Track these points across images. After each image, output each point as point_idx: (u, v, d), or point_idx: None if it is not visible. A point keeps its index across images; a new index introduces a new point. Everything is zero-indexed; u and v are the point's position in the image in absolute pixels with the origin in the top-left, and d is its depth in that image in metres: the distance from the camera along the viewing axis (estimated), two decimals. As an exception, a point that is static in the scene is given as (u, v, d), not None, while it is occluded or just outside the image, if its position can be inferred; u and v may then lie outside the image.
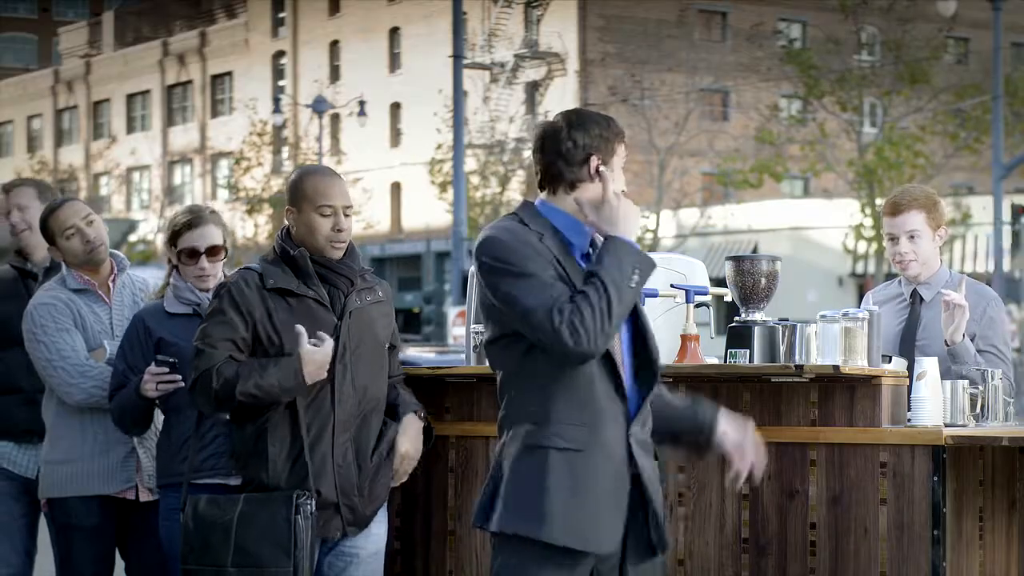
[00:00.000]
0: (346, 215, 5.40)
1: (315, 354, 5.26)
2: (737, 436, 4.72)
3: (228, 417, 5.46)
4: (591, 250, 4.60)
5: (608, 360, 4.51)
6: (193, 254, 5.81)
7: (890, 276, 6.77)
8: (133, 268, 6.35)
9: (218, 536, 5.28)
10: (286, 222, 5.46)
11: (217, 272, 5.81)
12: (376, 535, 5.54)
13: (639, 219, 4.54)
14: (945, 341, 5.98)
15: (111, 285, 6.13)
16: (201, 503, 5.35)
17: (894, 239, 6.25)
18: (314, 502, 5.27)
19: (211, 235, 5.81)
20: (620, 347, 4.59)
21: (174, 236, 5.84)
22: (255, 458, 5.33)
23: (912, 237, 6.22)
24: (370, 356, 5.47)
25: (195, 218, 5.83)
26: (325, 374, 5.31)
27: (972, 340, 6.07)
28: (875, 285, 6.73)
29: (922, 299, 6.25)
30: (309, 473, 5.29)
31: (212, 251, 5.81)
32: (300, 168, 5.55)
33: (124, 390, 5.73)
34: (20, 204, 6.54)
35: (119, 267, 6.18)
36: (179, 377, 5.62)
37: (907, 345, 6.18)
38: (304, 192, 5.38)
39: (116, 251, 6.21)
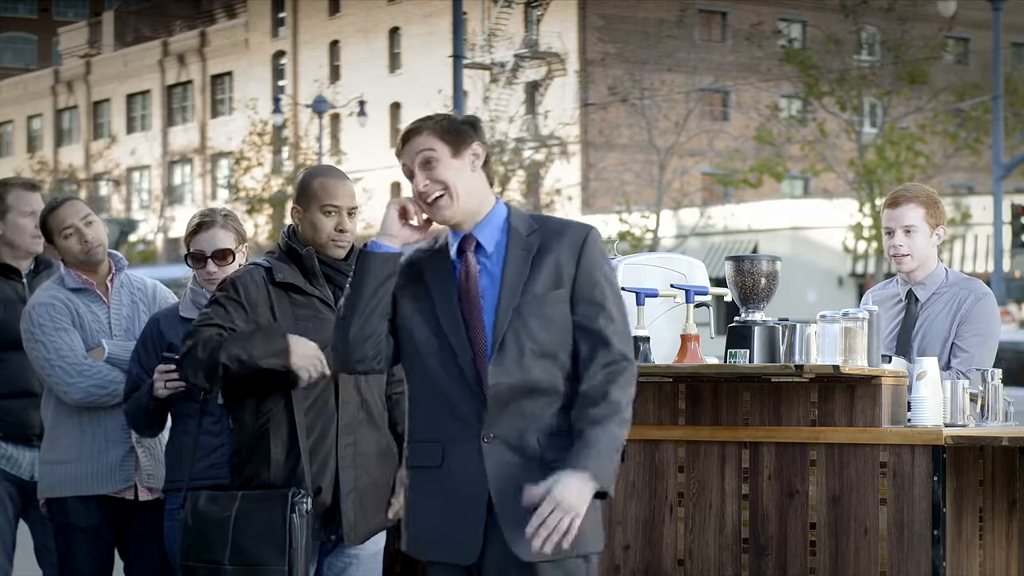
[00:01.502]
0: (350, 215, 5.41)
1: (303, 341, 5.23)
2: (543, 504, 4.20)
3: (231, 426, 5.45)
4: (467, 247, 4.49)
5: (455, 368, 4.38)
6: (200, 257, 5.81)
7: (889, 275, 6.77)
8: (132, 269, 6.35)
9: (215, 533, 5.26)
10: (292, 221, 5.46)
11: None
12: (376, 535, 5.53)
13: (387, 214, 4.47)
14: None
15: (109, 285, 6.12)
16: (201, 500, 5.33)
17: (890, 232, 6.25)
18: (311, 500, 5.26)
19: (219, 239, 5.79)
20: (481, 346, 4.36)
21: (187, 239, 5.84)
22: (256, 456, 5.31)
23: (908, 231, 6.21)
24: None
25: (205, 221, 5.82)
26: (319, 367, 5.27)
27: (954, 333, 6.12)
28: (875, 285, 6.75)
29: (917, 299, 6.25)
30: (306, 473, 5.28)
31: (219, 255, 5.80)
32: (309, 168, 5.56)
33: (137, 392, 5.72)
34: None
35: (117, 267, 6.17)
36: (186, 375, 5.61)
37: (903, 345, 6.18)
38: (311, 191, 5.38)
39: (114, 251, 6.20)
